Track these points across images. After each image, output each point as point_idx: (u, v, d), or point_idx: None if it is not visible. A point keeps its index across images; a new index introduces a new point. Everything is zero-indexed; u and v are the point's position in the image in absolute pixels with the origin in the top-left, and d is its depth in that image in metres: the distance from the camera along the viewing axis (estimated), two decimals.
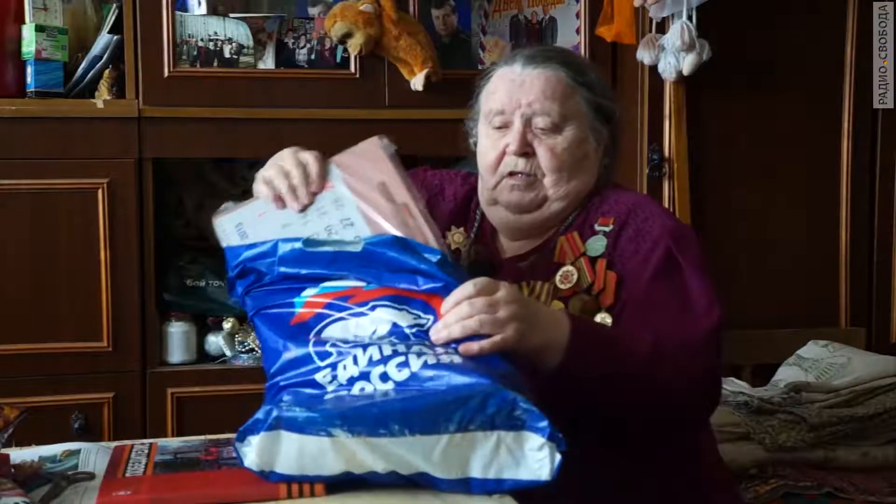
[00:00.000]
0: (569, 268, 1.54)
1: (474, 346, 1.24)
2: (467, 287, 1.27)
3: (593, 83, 1.61)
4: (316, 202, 1.40)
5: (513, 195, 1.59)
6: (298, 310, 1.31)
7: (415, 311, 1.29)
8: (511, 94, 1.58)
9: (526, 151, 1.57)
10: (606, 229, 1.56)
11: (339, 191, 1.40)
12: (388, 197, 1.36)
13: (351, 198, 1.38)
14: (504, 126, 1.59)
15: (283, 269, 1.34)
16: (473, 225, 1.68)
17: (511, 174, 1.58)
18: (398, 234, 1.32)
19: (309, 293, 1.32)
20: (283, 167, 1.44)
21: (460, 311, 1.25)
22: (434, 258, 1.31)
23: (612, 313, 1.50)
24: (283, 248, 1.35)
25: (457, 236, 1.67)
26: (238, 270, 1.38)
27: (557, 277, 1.54)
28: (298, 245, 1.35)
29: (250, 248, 1.37)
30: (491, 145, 1.61)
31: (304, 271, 1.34)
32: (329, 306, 1.29)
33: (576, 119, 1.58)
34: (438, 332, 1.25)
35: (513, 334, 1.27)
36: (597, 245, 1.55)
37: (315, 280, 1.33)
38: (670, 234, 1.53)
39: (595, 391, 1.37)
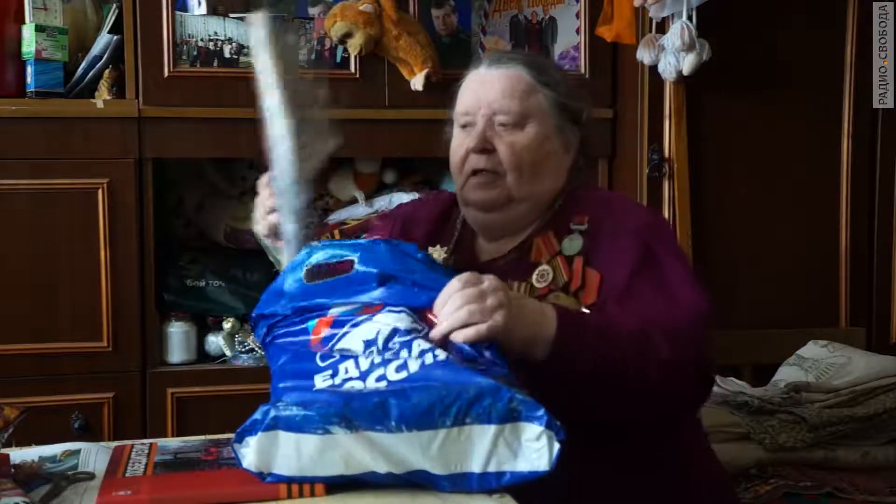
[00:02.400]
0: (544, 267, 1.57)
1: (470, 332, 1.26)
2: (454, 283, 1.31)
3: (557, 83, 1.64)
4: None
5: (477, 193, 1.62)
6: (310, 336, 1.34)
7: (413, 317, 1.31)
8: (475, 93, 1.63)
9: (485, 147, 1.60)
10: (581, 228, 1.57)
11: None
12: None
13: None
14: (469, 126, 1.63)
15: (293, 305, 1.39)
16: (453, 237, 1.71)
17: (475, 173, 1.61)
18: None
19: (316, 319, 1.36)
20: None
21: (451, 304, 1.28)
22: (420, 256, 1.40)
23: (593, 310, 1.50)
24: (290, 287, 1.40)
25: (436, 253, 1.67)
26: (258, 312, 1.43)
27: (534, 276, 1.56)
28: (299, 279, 1.41)
29: (264, 302, 1.43)
30: (458, 145, 1.65)
31: (310, 303, 1.38)
32: (334, 324, 1.32)
33: (537, 117, 1.61)
34: (434, 332, 1.28)
35: (501, 321, 1.29)
36: (572, 244, 1.57)
37: (322, 309, 1.37)
38: (645, 225, 1.55)
39: (586, 381, 1.37)
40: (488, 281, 1.32)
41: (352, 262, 1.40)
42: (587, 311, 1.50)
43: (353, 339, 1.29)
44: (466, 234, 1.70)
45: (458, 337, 1.27)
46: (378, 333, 1.27)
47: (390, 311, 1.31)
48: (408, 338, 1.25)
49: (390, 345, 1.26)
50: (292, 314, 1.39)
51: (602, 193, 1.69)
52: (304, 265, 1.43)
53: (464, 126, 1.64)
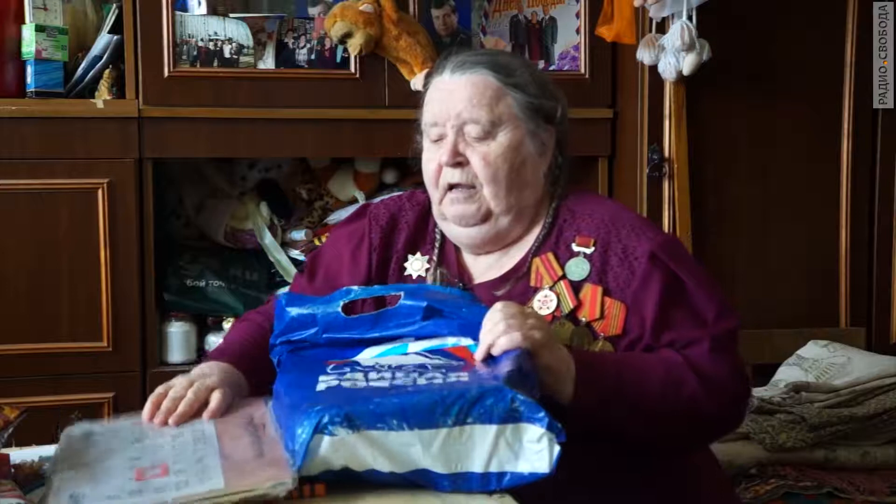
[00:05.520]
0: (547, 292, 1.52)
1: (504, 340, 1.29)
2: (497, 307, 1.35)
3: (525, 83, 1.56)
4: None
5: (455, 208, 1.56)
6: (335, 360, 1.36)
7: (447, 360, 1.33)
8: (442, 103, 1.56)
9: (459, 161, 1.54)
10: (587, 251, 1.52)
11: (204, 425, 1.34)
12: (247, 419, 1.32)
13: (212, 427, 1.32)
14: (440, 138, 1.57)
15: (327, 336, 1.41)
16: (434, 247, 1.64)
17: (451, 188, 1.56)
18: (246, 444, 1.24)
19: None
20: (184, 386, 1.39)
21: (494, 318, 1.33)
22: (457, 294, 1.44)
23: (618, 343, 1.48)
24: (324, 317, 1.42)
25: (416, 263, 1.63)
26: (283, 339, 1.44)
27: (535, 302, 1.51)
28: (336, 311, 1.42)
29: (288, 326, 1.43)
30: (430, 158, 1.59)
31: (347, 335, 1.41)
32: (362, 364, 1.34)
33: (509, 122, 1.54)
34: (478, 353, 1.32)
35: (539, 336, 1.32)
36: (578, 269, 1.52)
37: (357, 344, 1.40)
38: (662, 249, 1.50)
39: (616, 420, 1.40)
40: (530, 309, 1.39)
41: (398, 297, 1.42)
42: (605, 340, 1.49)
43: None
44: (448, 245, 1.64)
45: (496, 348, 1.30)
46: (395, 363, 1.30)
47: (423, 354, 1.33)
48: (429, 365, 1.27)
49: (403, 369, 1.27)
50: (325, 346, 1.41)
51: (600, 208, 1.59)
52: (340, 300, 1.43)
53: (435, 140, 1.57)
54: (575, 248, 1.54)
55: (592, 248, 1.52)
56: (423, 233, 1.66)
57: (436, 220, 1.64)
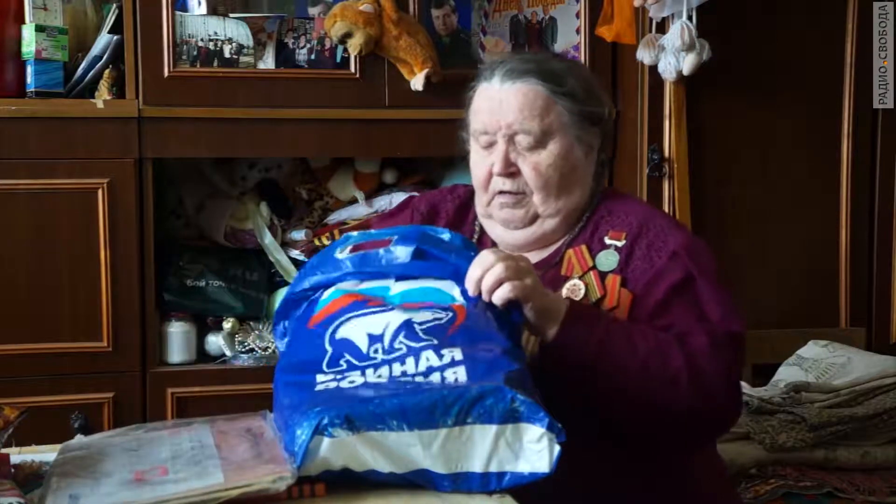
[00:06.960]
0: (576, 282, 1.54)
1: (502, 289, 1.32)
2: (486, 252, 1.37)
3: (574, 91, 1.59)
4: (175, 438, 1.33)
5: (504, 212, 1.60)
6: (318, 310, 1.36)
7: (437, 306, 1.32)
8: (492, 113, 1.58)
9: (511, 171, 1.57)
10: (618, 244, 1.55)
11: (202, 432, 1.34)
12: (245, 429, 1.32)
13: (210, 437, 1.31)
14: (490, 146, 1.59)
15: (313, 276, 1.42)
16: (472, 238, 1.67)
17: (500, 192, 1.59)
18: (245, 448, 1.24)
19: (332, 295, 1.37)
20: None
21: (487, 261, 1.34)
22: (447, 236, 1.44)
23: None
24: (318, 262, 1.44)
25: None
26: (287, 302, 1.45)
27: (564, 291, 1.53)
28: (331, 255, 1.43)
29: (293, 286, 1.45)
30: (480, 162, 1.61)
31: (333, 275, 1.41)
32: (350, 307, 1.33)
33: (559, 131, 1.57)
34: (471, 284, 1.35)
35: (531, 282, 1.35)
36: (608, 260, 1.55)
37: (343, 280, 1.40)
38: (684, 248, 1.53)
39: (593, 374, 1.39)
40: (518, 254, 1.42)
41: (390, 240, 1.43)
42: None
43: (357, 331, 1.29)
44: (486, 238, 1.67)
45: (495, 298, 1.32)
46: (386, 328, 1.28)
47: (408, 309, 1.32)
48: (418, 344, 1.25)
49: (396, 345, 1.26)
50: (311, 290, 1.41)
51: (639, 208, 1.64)
52: (338, 247, 1.44)
53: (485, 147, 1.60)
54: (607, 241, 1.57)
55: (623, 242, 1.56)
56: (461, 225, 1.70)
57: (477, 215, 1.68)
